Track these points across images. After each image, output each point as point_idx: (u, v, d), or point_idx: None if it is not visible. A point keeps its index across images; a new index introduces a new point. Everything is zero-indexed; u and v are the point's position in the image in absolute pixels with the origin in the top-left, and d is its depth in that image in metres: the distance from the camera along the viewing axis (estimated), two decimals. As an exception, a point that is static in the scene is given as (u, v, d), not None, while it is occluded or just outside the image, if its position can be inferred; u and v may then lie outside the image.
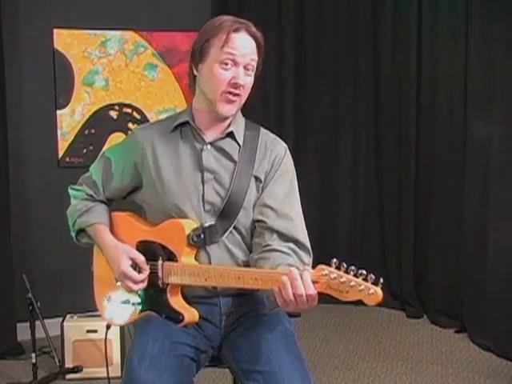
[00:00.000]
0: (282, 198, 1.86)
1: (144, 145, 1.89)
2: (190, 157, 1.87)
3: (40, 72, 3.73)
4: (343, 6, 4.28)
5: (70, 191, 2.04)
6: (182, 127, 1.90)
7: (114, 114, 3.91)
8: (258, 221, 1.85)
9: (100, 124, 3.87)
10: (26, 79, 3.70)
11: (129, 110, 3.93)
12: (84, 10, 3.76)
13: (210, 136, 1.88)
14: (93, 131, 3.86)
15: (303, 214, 1.91)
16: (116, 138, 3.81)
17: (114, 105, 3.90)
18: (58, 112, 3.78)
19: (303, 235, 1.85)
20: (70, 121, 3.81)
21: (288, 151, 1.94)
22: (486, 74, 3.59)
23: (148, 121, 3.86)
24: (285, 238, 1.81)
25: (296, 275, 1.55)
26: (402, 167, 4.21)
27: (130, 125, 3.90)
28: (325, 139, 4.38)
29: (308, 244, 1.85)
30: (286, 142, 1.99)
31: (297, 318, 3.97)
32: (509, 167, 3.48)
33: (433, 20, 3.94)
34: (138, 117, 3.95)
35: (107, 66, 3.86)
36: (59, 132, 3.80)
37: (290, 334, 1.86)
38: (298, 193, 1.92)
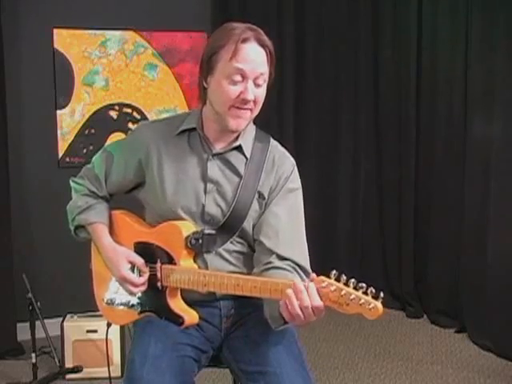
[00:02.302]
0: (284, 219, 1.81)
1: (150, 144, 1.85)
2: (195, 165, 1.83)
3: (40, 72, 3.72)
4: (343, 6, 4.28)
5: (72, 184, 2.01)
6: (190, 132, 1.86)
7: (113, 113, 3.91)
8: (259, 240, 1.81)
9: (100, 124, 3.87)
10: (26, 79, 3.70)
11: (129, 110, 3.93)
12: (84, 10, 3.76)
13: (217, 147, 1.84)
14: (93, 131, 3.86)
15: (303, 215, 1.88)
16: (116, 138, 3.80)
17: (114, 105, 3.90)
18: (58, 112, 3.78)
19: (303, 259, 1.80)
20: (69, 121, 3.81)
21: (296, 168, 1.88)
22: (486, 74, 3.58)
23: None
24: (284, 259, 1.76)
25: (301, 287, 1.52)
26: (402, 167, 4.21)
27: (130, 125, 3.90)
28: (325, 139, 4.38)
29: (308, 268, 1.79)
30: (286, 143, 1.96)
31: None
32: (509, 167, 3.48)
33: (433, 20, 3.93)
34: (138, 117, 3.94)
35: (107, 66, 3.86)
36: (59, 132, 3.79)
37: (290, 334, 1.84)
38: (302, 212, 1.86)
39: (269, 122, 4.00)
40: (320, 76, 4.31)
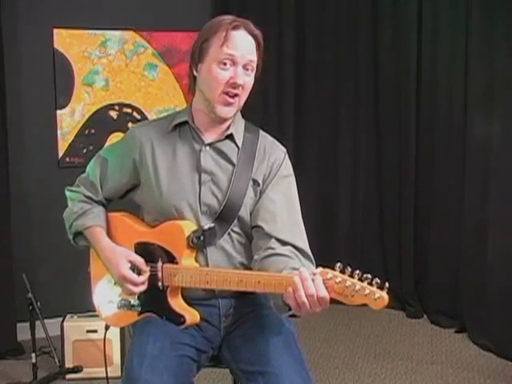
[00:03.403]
0: (280, 204, 1.83)
1: (143, 143, 1.88)
2: (187, 157, 1.85)
3: (40, 72, 3.72)
4: (343, 6, 4.28)
5: (67, 193, 2.02)
6: (181, 127, 1.88)
7: (113, 113, 3.91)
8: (257, 226, 1.82)
9: (100, 124, 3.87)
10: (25, 79, 3.70)
11: (129, 110, 3.93)
12: (84, 10, 3.76)
13: (208, 137, 1.86)
14: (93, 131, 3.86)
15: (303, 214, 1.89)
16: (116, 138, 3.80)
17: (114, 105, 3.90)
18: (58, 112, 3.78)
19: (302, 242, 1.81)
20: (69, 121, 3.81)
21: (287, 155, 1.91)
22: (486, 74, 3.58)
23: (148, 121, 3.86)
24: (284, 243, 1.78)
25: (306, 275, 1.53)
26: (402, 167, 4.21)
27: (130, 125, 3.89)
28: (325, 139, 4.38)
29: (308, 251, 1.81)
30: (286, 143, 1.97)
31: (297, 317, 3.97)
32: (509, 167, 3.48)
33: (433, 20, 3.93)
34: (138, 117, 3.95)
35: (107, 66, 3.86)
36: (59, 132, 3.79)
37: (290, 335, 1.85)
38: (297, 198, 1.89)
39: (269, 122, 4.01)
40: (320, 76, 4.31)
